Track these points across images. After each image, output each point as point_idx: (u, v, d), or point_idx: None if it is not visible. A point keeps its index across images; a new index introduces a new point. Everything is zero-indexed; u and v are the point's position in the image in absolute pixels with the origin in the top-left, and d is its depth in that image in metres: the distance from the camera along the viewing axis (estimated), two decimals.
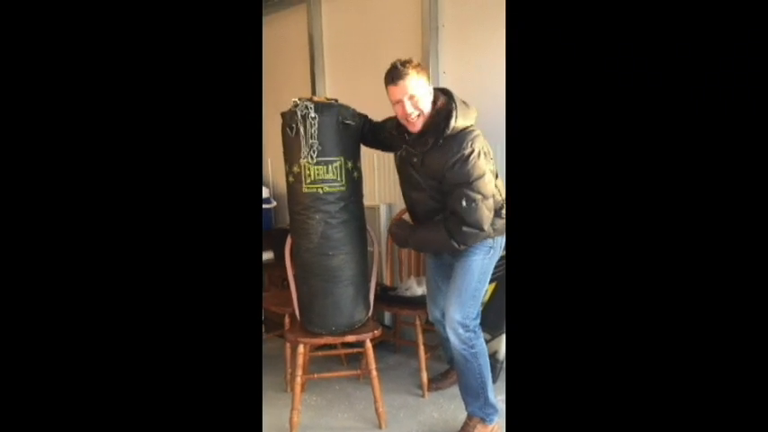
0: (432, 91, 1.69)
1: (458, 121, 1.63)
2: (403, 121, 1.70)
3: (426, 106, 1.66)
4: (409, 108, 1.64)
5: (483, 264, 1.78)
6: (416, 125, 1.68)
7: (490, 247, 1.78)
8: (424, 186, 1.73)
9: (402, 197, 1.94)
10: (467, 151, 1.60)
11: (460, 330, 1.76)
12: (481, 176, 1.62)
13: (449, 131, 1.62)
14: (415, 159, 1.71)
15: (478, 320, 1.81)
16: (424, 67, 1.69)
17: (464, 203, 1.60)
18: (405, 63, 1.63)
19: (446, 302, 1.82)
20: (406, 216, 2.43)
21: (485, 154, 1.65)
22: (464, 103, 1.70)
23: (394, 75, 1.63)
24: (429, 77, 1.72)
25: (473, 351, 1.77)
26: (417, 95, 1.63)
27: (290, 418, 1.95)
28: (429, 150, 1.66)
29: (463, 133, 1.64)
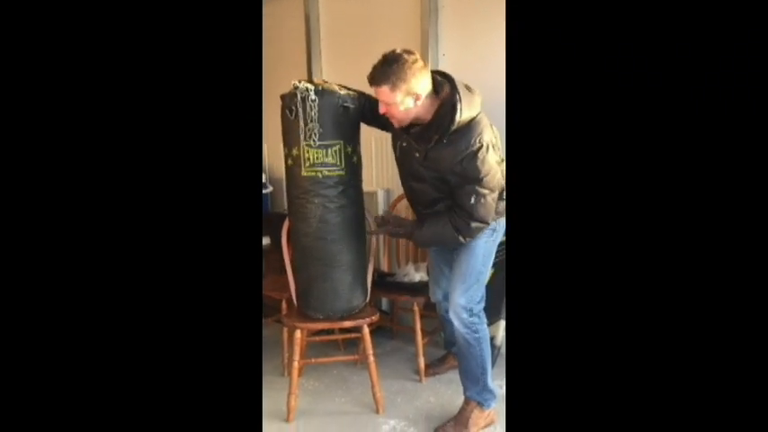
0: (427, 87, 1.56)
1: (463, 114, 1.53)
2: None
3: (408, 113, 1.58)
4: (381, 109, 1.60)
5: (486, 246, 1.78)
6: (397, 125, 1.64)
7: (493, 230, 1.77)
8: (427, 178, 1.68)
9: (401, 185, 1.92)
10: (475, 147, 1.54)
11: (464, 315, 1.76)
12: (489, 171, 1.57)
13: (454, 127, 1.54)
14: (417, 154, 1.65)
15: (483, 305, 1.81)
16: (417, 68, 1.52)
17: (473, 200, 1.57)
18: (388, 62, 1.51)
19: (450, 287, 1.82)
20: (403, 204, 2.43)
21: (492, 146, 1.58)
22: (467, 88, 1.59)
23: (372, 76, 1.54)
24: (424, 55, 1.63)
25: (476, 336, 1.78)
26: (392, 105, 1.56)
27: (288, 403, 1.96)
28: (433, 146, 1.59)
29: (469, 127, 1.56)
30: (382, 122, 1.89)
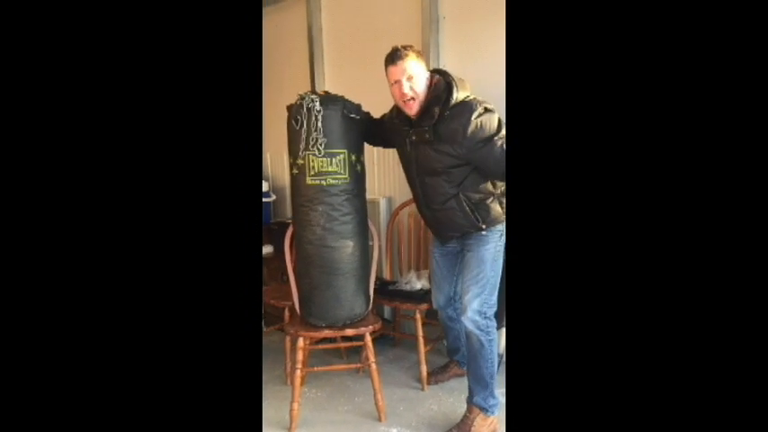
0: (428, 76, 1.74)
1: (459, 93, 1.69)
2: (400, 104, 1.76)
3: (422, 90, 1.71)
4: (406, 88, 1.69)
5: (495, 251, 1.81)
6: (413, 108, 1.73)
7: (501, 234, 1.81)
8: (440, 167, 1.74)
9: (409, 188, 1.95)
10: (480, 110, 1.66)
11: (477, 318, 1.78)
12: (501, 123, 1.67)
13: (453, 101, 1.67)
14: (427, 135, 1.73)
15: (496, 308, 1.83)
16: (423, 54, 1.77)
17: (504, 147, 1.64)
18: (405, 47, 1.71)
19: (462, 291, 1.84)
20: (405, 212, 2.44)
21: (493, 112, 1.71)
22: (459, 78, 1.76)
23: (394, 56, 1.71)
24: (427, 65, 1.77)
25: (489, 338, 1.80)
26: (415, 76, 1.70)
27: (290, 411, 1.95)
28: (438, 122, 1.69)
29: (467, 101, 1.69)
30: (383, 138, 1.97)
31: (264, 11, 3.16)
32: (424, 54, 2.47)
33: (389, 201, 2.78)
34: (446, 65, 2.51)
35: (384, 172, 2.77)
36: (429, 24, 2.47)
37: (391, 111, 1.91)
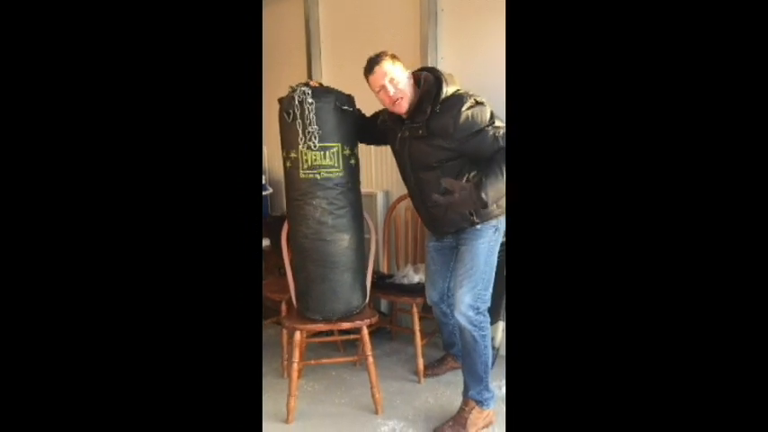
0: (410, 75, 1.76)
1: (448, 88, 1.71)
2: (390, 107, 1.76)
3: (406, 87, 1.72)
4: (392, 90, 1.70)
5: (489, 246, 1.80)
6: (402, 107, 1.73)
7: (495, 229, 1.81)
8: (434, 161, 1.74)
9: (404, 184, 1.94)
10: (470, 102, 1.67)
11: (470, 313, 1.78)
12: (493, 115, 1.68)
13: (443, 95, 1.69)
14: (420, 132, 1.73)
15: (489, 303, 1.82)
16: (399, 57, 1.79)
17: (497, 135, 1.64)
18: (378, 54, 1.74)
19: (455, 285, 1.84)
20: (403, 205, 2.44)
21: (485, 104, 1.72)
22: (448, 74, 1.77)
23: (371, 63, 1.73)
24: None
25: (482, 333, 1.80)
26: (396, 77, 1.71)
27: (287, 404, 1.97)
28: (430, 117, 1.70)
29: (457, 95, 1.71)
30: (374, 136, 1.97)
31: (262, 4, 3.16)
32: (422, 48, 2.50)
33: (387, 194, 2.78)
34: (444, 58, 2.50)
35: (381, 166, 2.77)
36: (428, 18, 2.47)
37: (382, 113, 1.92)
